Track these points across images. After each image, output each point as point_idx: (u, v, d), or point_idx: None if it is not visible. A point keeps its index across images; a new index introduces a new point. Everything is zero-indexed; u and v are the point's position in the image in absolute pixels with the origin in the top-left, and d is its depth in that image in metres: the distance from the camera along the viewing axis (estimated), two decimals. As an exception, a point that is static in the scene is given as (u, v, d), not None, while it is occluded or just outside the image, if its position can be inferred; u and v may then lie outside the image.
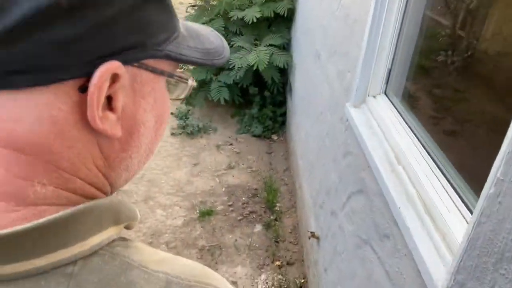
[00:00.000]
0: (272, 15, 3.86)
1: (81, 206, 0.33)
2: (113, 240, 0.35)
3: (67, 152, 0.33)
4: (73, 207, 0.33)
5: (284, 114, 4.18)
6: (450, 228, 0.89)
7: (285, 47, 4.05)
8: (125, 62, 0.33)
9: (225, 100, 3.99)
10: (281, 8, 3.83)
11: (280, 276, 2.44)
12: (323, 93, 2.28)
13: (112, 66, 0.32)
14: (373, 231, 1.35)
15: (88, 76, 0.31)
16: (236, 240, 2.70)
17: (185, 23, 0.42)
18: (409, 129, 1.32)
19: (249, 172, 3.45)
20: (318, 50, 2.51)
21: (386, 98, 1.54)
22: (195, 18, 4.36)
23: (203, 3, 4.48)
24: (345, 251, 1.67)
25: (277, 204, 3.05)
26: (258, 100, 4.22)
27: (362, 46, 1.53)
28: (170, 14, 0.37)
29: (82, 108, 0.32)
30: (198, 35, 0.43)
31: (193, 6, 4.73)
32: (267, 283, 2.39)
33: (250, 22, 3.81)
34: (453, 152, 1.08)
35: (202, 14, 4.36)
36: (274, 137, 4.05)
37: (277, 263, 2.54)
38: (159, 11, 0.35)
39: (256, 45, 3.90)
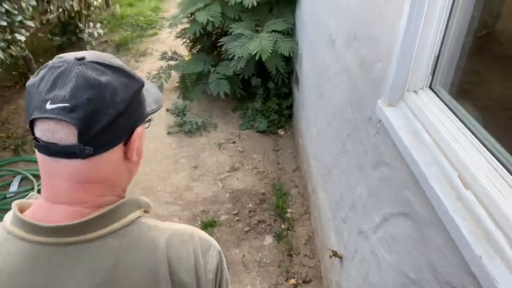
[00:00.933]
0: (274, -2, 3.48)
1: (120, 202, 0.67)
2: (139, 217, 0.70)
3: (118, 178, 0.70)
4: (117, 203, 0.67)
5: (290, 107, 3.83)
6: None
7: (289, 33, 3.67)
8: (139, 125, 0.69)
9: (225, 94, 3.64)
10: (284, -11, 3.45)
11: (296, 298, 2.13)
12: (340, 86, 1.93)
13: (138, 131, 0.69)
14: (427, 271, 1.02)
15: (128, 136, 0.67)
16: (243, 255, 2.38)
17: None
18: (472, 136, 0.98)
19: (255, 174, 3.11)
20: (332, 35, 2.15)
21: (433, 94, 1.19)
22: (189, 4, 3.97)
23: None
24: (381, 286, 1.34)
25: (288, 210, 2.72)
26: (262, 92, 3.86)
27: (400, 26, 1.18)
28: (143, 92, 0.71)
29: (124, 152, 0.68)
30: (147, 89, 0.73)
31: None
32: (281, 306, 2.08)
33: (249, 6, 3.44)
34: None
35: (196, -1, 3.97)
36: (281, 132, 3.70)
37: (292, 281, 2.23)
38: (144, 94, 0.70)
39: (257, 31, 3.52)
